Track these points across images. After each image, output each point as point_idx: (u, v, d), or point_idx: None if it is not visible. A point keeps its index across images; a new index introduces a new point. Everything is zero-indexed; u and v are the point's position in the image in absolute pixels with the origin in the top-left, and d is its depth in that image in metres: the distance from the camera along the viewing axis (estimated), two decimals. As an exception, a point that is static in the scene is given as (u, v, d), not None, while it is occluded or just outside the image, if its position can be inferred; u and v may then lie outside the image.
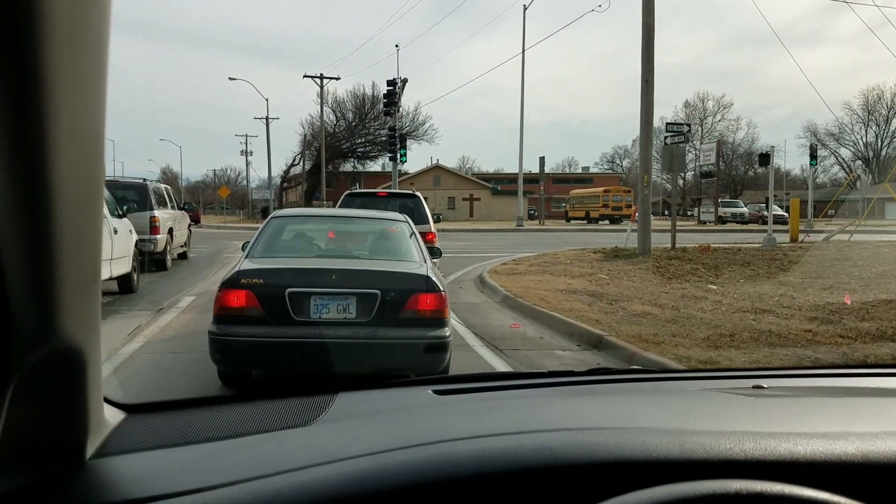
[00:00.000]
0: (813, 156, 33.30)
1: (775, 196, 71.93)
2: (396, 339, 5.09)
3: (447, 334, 5.23)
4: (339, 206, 13.17)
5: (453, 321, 8.40)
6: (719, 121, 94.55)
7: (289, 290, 5.06)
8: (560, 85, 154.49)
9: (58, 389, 0.97)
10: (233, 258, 19.25)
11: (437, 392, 1.62)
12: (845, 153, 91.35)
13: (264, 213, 67.33)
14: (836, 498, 0.86)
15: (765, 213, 55.40)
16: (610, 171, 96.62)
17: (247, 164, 79.71)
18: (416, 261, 5.90)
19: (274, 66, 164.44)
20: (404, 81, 29.80)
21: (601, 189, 56.26)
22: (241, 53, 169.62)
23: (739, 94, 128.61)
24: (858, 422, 1.22)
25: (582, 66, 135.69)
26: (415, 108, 61.71)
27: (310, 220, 7.42)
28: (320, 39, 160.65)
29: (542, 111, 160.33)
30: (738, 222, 52.21)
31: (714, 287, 12.14)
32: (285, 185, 71.45)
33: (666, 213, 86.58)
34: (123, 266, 11.13)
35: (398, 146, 33.82)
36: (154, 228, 14.31)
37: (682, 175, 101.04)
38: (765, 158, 22.76)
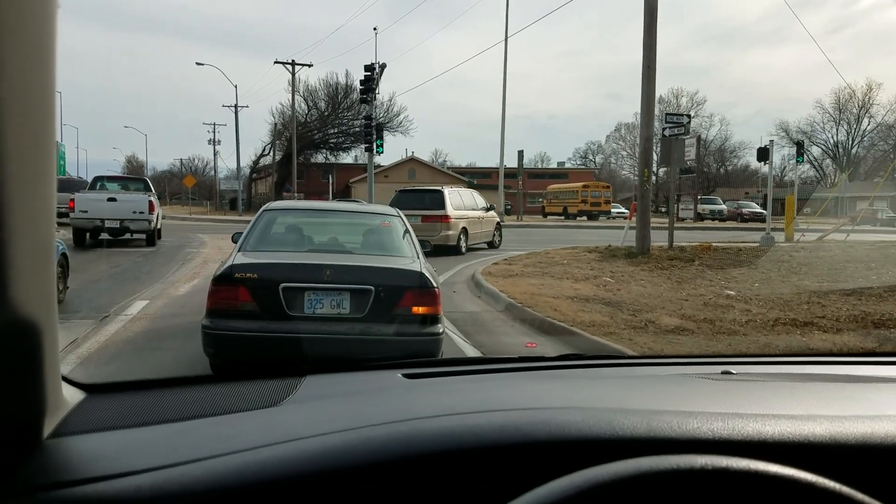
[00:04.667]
0: (799, 152, 32.41)
1: (747, 193, 70.62)
2: (390, 335, 5.01)
3: (441, 331, 5.23)
4: (393, 202, 17.01)
5: (456, 336, 7.11)
6: (693, 117, 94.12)
7: (283, 284, 5.00)
8: (527, 80, 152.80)
9: (12, 366, 0.94)
10: (197, 254, 17.63)
11: (406, 375, 1.60)
12: (816, 151, 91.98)
13: (232, 204, 65.71)
14: (802, 474, 0.83)
15: (743, 210, 55.29)
16: (584, 167, 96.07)
17: (214, 154, 77.10)
18: (409, 256, 5.80)
19: (242, 54, 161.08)
20: (382, 67, 28.11)
21: (580, 184, 55.23)
22: (209, 41, 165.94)
23: (704, 92, 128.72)
24: (827, 405, 1.22)
25: (549, 62, 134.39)
26: (389, 99, 60.07)
27: (303, 214, 7.17)
28: (290, 28, 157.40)
29: (510, 106, 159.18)
30: (716, 219, 51.64)
31: (732, 292, 10.97)
32: (255, 175, 69.18)
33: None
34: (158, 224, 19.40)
35: (374, 136, 32.29)
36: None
37: (655, 171, 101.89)
38: (763, 153, 21.63)
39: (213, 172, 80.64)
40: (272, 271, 5.17)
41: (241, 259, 5.31)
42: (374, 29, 32.20)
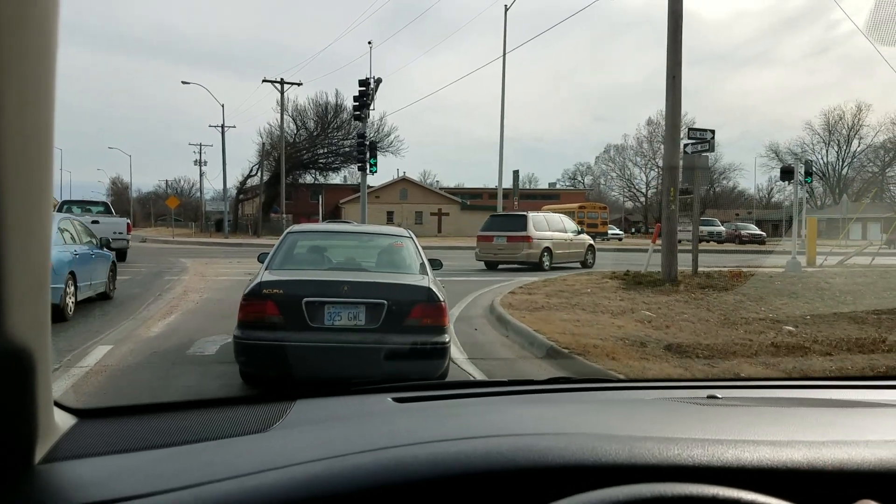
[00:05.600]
0: (808, 173, 31.09)
1: (737, 215, 69.43)
2: (401, 344, 5.39)
3: (447, 340, 5.59)
4: (485, 226, 21.14)
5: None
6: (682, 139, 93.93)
7: (305, 299, 5.43)
8: (512, 102, 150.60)
9: (4, 392, 0.94)
10: (177, 283, 15.55)
11: (396, 399, 1.59)
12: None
13: (218, 225, 63.92)
14: (770, 500, 0.84)
15: (742, 232, 54.09)
16: (572, 188, 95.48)
17: (200, 175, 75.29)
18: (418, 273, 6.24)
19: (229, 75, 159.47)
20: (378, 81, 26.56)
21: (576, 205, 53.82)
22: (196, 62, 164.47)
23: (692, 114, 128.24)
24: (807, 431, 1.23)
25: (534, 85, 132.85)
26: (380, 118, 58.66)
27: (323, 236, 7.56)
28: (278, 49, 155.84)
29: (497, 128, 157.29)
30: (715, 241, 50.29)
31: (791, 328, 9.52)
32: (242, 196, 67.44)
33: (633, 231, 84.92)
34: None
35: (368, 155, 30.81)
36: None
37: (644, 192, 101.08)
38: (787, 173, 20.30)
39: (199, 194, 78.73)
40: (296, 287, 5.58)
41: (268, 277, 5.77)
42: (369, 43, 30.59)
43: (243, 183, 66.13)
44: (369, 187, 53.43)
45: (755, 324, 9.90)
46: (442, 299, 5.67)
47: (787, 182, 20.36)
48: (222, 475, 0.98)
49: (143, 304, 11.52)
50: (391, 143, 61.54)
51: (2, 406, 0.93)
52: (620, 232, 62.18)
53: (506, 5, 32.96)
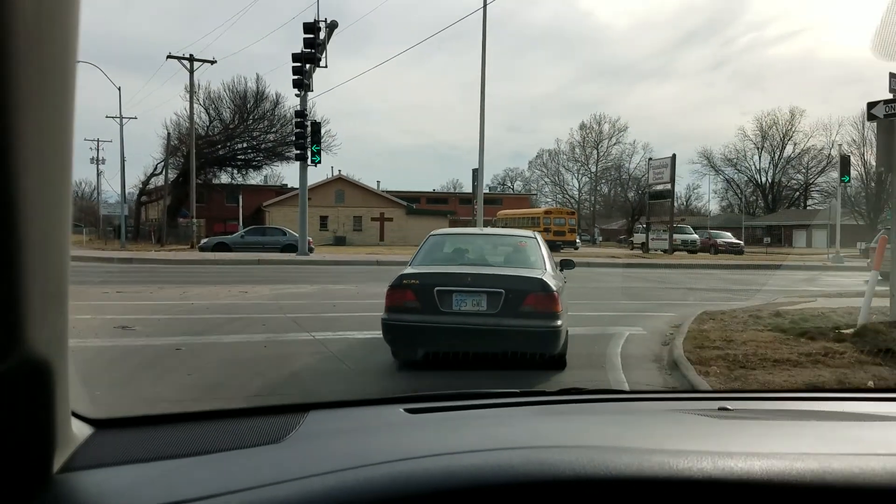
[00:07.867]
0: (845, 171, 25.40)
1: (682, 220, 64.85)
2: (517, 326, 6.44)
3: (559, 324, 6.51)
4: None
5: None
6: (615, 144, 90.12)
7: (436, 288, 6.67)
8: (426, 110, 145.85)
9: (24, 403, 0.94)
10: None
11: (408, 410, 1.59)
12: (741, 179, 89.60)
13: (117, 231, 54.35)
14: None
15: (717, 241, 48.78)
16: (501, 193, 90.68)
17: (98, 174, 65.47)
18: (538, 267, 7.29)
19: (131, 73, 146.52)
20: (332, 27, 18.76)
21: (541, 210, 47.26)
22: (89, 56, 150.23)
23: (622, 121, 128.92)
24: (818, 444, 1.21)
25: (447, 92, 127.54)
26: (311, 105, 50.40)
27: (459, 238, 8.99)
28: (187, 49, 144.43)
29: (411, 134, 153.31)
30: (688, 251, 44.68)
31: None
32: (144, 199, 57.68)
33: (617, 240, 78.65)
34: None
35: (310, 140, 23.09)
36: None
37: (577, 198, 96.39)
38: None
39: (101, 198, 68.52)
40: (429, 279, 6.83)
41: (409, 270, 7.11)
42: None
43: (146, 183, 56.36)
44: (297, 188, 45.27)
45: None
46: (554, 289, 6.61)
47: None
48: (238, 486, 0.98)
49: None
50: (323, 137, 53.49)
51: (21, 416, 0.93)
52: (582, 239, 56.17)
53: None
